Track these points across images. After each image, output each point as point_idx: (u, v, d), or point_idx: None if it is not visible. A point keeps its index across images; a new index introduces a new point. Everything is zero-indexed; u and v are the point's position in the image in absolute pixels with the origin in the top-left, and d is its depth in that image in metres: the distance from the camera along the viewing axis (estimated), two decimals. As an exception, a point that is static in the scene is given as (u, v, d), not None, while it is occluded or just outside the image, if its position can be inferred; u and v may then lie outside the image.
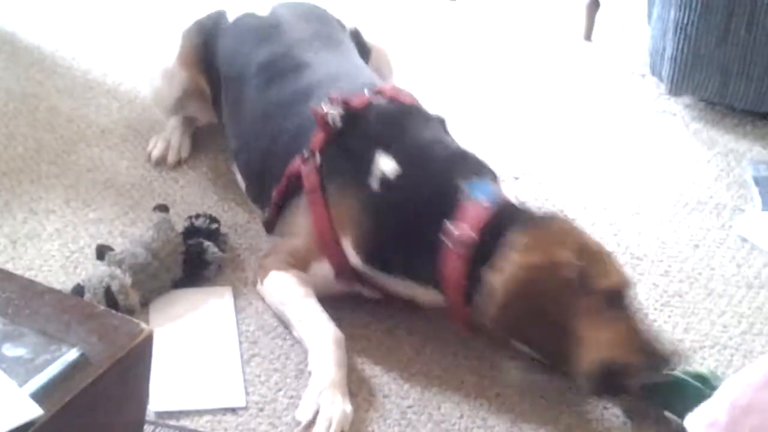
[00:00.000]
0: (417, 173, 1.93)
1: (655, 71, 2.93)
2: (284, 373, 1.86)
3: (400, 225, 1.90)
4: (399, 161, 1.92)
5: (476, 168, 1.96)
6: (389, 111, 2.01)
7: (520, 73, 3.06)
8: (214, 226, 2.14)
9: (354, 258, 1.93)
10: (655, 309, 2.09)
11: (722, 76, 2.72)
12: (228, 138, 2.33)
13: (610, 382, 1.75)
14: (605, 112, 2.88)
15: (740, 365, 1.94)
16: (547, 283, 1.75)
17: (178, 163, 2.45)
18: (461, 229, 1.83)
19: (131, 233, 2.17)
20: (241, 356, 1.89)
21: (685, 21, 2.68)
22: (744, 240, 2.32)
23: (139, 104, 2.66)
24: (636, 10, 3.29)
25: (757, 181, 2.50)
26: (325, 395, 1.74)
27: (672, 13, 2.72)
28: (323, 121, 1.97)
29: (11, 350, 1.27)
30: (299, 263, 1.98)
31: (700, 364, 1.94)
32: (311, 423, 1.71)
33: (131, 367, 1.32)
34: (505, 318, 1.77)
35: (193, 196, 2.34)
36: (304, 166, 1.98)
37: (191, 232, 2.11)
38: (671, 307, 2.10)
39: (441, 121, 2.08)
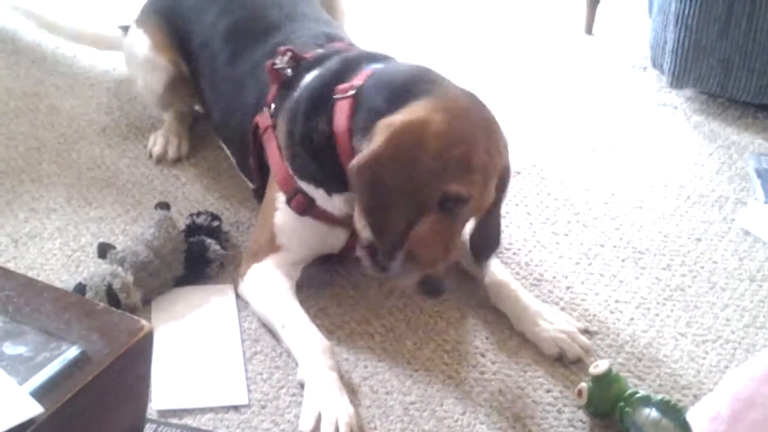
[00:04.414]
0: (326, 72, 1.97)
1: (656, 64, 2.92)
2: (286, 370, 1.85)
3: (304, 113, 1.94)
4: (318, 72, 1.98)
5: (383, 57, 2.00)
6: (328, 52, 2.05)
7: (522, 67, 3.06)
8: (216, 223, 2.14)
9: (290, 171, 1.96)
10: (658, 303, 2.08)
11: (723, 68, 2.71)
12: (210, 112, 2.35)
13: (407, 273, 1.80)
14: (606, 106, 2.87)
15: (743, 359, 1.93)
16: (417, 154, 1.74)
17: (179, 160, 2.46)
18: (346, 85, 1.89)
19: (133, 231, 2.17)
20: (244, 354, 1.89)
21: (686, 13, 2.68)
22: (746, 233, 2.32)
23: (139, 102, 2.66)
24: (637, 2, 3.29)
25: (760, 174, 2.50)
26: (324, 399, 1.73)
27: (673, 5, 2.72)
28: (275, 74, 2.02)
29: (11, 348, 1.27)
30: (267, 225, 1.99)
31: (703, 358, 1.94)
32: (316, 429, 1.69)
33: (131, 364, 1.32)
34: (374, 168, 1.76)
35: (195, 194, 2.34)
36: (261, 117, 2.04)
37: (193, 229, 2.11)
38: (674, 301, 2.09)
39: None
